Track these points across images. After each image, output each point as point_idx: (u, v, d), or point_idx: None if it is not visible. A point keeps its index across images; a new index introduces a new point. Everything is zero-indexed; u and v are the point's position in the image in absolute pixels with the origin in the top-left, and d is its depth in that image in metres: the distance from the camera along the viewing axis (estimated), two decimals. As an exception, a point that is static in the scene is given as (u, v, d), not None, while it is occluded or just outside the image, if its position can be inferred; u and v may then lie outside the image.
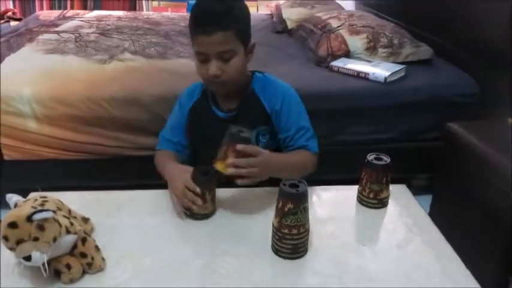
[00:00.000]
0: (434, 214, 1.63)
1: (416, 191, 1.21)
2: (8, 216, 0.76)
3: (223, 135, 0.99)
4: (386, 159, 1.07)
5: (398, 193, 1.15)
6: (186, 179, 1.01)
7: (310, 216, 0.92)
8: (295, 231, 0.88)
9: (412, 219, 1.06)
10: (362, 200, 1.10)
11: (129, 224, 1.01)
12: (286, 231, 0.88)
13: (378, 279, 0.87)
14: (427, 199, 1.74)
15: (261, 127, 1.17)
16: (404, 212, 1.09)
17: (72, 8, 4.17)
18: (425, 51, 2.26)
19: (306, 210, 0.89)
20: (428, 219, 1.06)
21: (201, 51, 1.09)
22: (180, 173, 1.06)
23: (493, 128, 1.64)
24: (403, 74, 2.12)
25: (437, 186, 1.79)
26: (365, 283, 0.86)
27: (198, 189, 0.99)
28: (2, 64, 2.05)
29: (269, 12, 3.50)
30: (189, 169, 1.03)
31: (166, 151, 1.26)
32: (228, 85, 1.14)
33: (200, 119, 1.23)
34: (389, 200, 1.10)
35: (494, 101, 2.00)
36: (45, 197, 0.86)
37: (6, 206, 0.84)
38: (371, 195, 1.08)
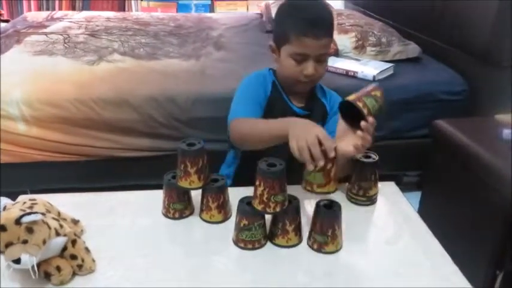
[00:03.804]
0: (424, 211, 1.66)
1: (406, 188, 1.22)
2: (-4, 219, 0.76)
3: None
4: (375, 156, 1.09)
5: (387, 190, 1.16)
6: (321, 131, 0.92)
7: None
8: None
9: (401, 216, 1.07)
10: (351, 198, 1.11)
11: (120, 225, 1.01)
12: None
13: (367, 276, 0.88)
14: (418, 196, 1.76)
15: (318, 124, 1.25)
16: (393, 209, 1.11)
17: (60, 9, 4.13)
18: (413, 49, 2.28)
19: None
20: (416, 216, 1.07)
21: (303, 53, 1.15)
22: (311, 124, 0.96)
23: (481, 125, 1.66)
24: (391, 72, 2.14)
25: (426, 183, 1.81)
26: (354, 280, 0.87)
27: (333, 147, 0.89)
28: (-11, 66, 2.03)
29: (259, 12, 3.51)
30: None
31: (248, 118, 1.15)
32: (312, 84, 1.23)
33: (279, 112, 1.22)
34: (378, 197, 1.12)
35: (482, 98, 2.02)
36: (34, 199, 0.86)
37: (-5, 209, 0.84)
38: (360, 193, 1.09)
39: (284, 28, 1.17)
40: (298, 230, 0.95)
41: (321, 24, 1.14)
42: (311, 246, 0.94)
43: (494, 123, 1.61)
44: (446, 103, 2.05)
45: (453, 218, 1.54)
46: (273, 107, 1.23)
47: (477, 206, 1.43)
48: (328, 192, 0.95)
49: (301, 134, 0.90)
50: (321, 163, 0.87)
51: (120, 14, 3.32)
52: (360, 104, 0.99)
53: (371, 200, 1.10)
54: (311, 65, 1.15)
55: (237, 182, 1.12)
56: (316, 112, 1.27)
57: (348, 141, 1.01)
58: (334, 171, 0.94)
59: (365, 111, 0.99)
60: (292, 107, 1.25)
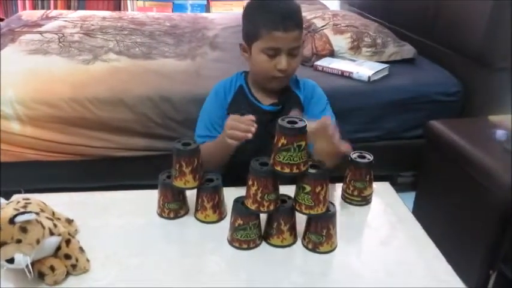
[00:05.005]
0: (418, 211, 1.67)
1: (401, 188, 1.23)
2: (-10, 218, 0.76)
3: (269, 127, 1.02)
4: (370, 157, 1.09)
5: (381, 190, 1.16)
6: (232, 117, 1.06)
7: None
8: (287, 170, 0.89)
9: (396, 216, 1.07)
10: (346, 198, 1.11)
11: (115, 225, 1.01)
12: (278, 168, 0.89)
13: (362, 276, 0.88)
14: (412, 196, 1.77)
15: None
16: (388, 209, 1.11)
17: (55, 8, 4.11)
18: (408, 50, 2.29)
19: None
20: (411, 216, 1.07)
21: (274, 47, 1.15)
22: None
23: (475, 126, 1.67)
24: (386, 73, 2.14)
25: (421, 183, 1.82)
26: (349, 279, 0.87)
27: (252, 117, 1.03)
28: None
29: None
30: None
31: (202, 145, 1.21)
32: (287, 79, 1.23)
33: (244, 112, 1.21)
34: (373, 198, 1.12)
35: (475, 99, 2.03)
36: (28, 199, 0.85)
37: (-11, 208, 0.83)
38: (355, 193, 1.09)
39: (254, 24, 1.18)
40: (293, 229, 0.95)
41: (290, 17, 1.14)
42: (306, 246, 0.94)
43: (488, 124, 1.62)
44: (440, 104, 2.06)
45: (447, 218, 1.55)
46: (240, 108, 1.23)
47: (471, 207, 1.44)
48: (317, 214, 0.92)
49: (226, 129, 1.05)
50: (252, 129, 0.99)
51: (115, 14, 3.31)
52: (279, 168, 0.90)
53: (366, 200, 1.10)
54: (284, 59, 1.15)
55: (227, 183, 1.11)
56: (288, 105, 1.25)
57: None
58: (324, 194, 0.91)
59: (287, 170, 0.89)
60: (260, 106, 1.24)
